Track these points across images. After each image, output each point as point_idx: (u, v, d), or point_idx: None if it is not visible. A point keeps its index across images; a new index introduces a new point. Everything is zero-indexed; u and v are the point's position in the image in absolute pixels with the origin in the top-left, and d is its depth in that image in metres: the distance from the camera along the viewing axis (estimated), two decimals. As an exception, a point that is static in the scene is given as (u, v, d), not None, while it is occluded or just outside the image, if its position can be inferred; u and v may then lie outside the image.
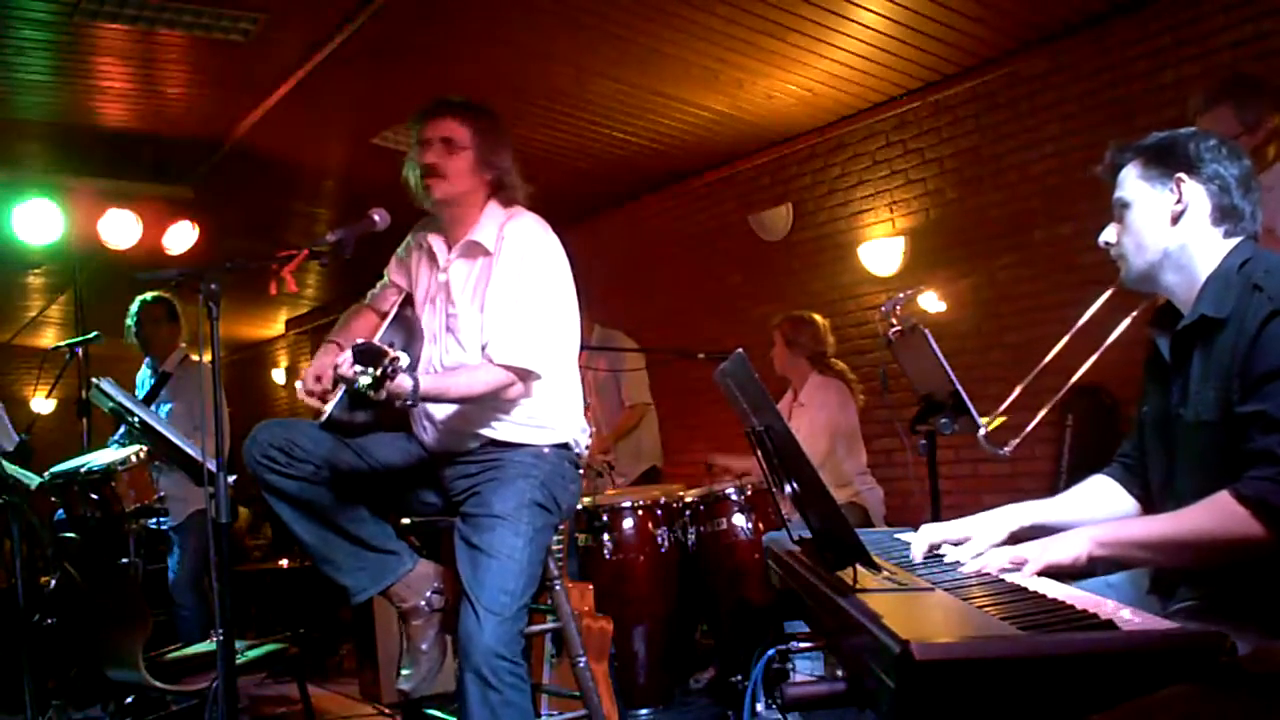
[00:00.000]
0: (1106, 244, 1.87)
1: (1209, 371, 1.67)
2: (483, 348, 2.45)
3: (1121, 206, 1.83)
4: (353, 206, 3.21)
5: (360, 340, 2.12)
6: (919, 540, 1.90)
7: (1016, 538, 1.85)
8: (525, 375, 2.43)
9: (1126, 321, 2.48)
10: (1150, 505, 1.87)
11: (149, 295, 4.63)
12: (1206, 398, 1.66)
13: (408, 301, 2.72)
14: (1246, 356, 1.59)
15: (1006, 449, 2.83)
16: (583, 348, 2.61)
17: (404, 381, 2.18)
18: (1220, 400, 1.63)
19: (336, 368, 2.19)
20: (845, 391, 4.35)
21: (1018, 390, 2.90)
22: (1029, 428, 2.85)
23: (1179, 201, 1.74)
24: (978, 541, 1.83)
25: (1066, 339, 2.69)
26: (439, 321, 2.59)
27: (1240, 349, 1.60)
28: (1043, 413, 2.84)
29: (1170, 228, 1.76)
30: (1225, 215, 1.74)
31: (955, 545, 1.88)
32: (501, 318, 2.44)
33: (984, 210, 5.03)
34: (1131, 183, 1.81)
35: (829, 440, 4.20)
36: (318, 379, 2.44)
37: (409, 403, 2.25)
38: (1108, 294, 2.51)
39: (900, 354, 3.35)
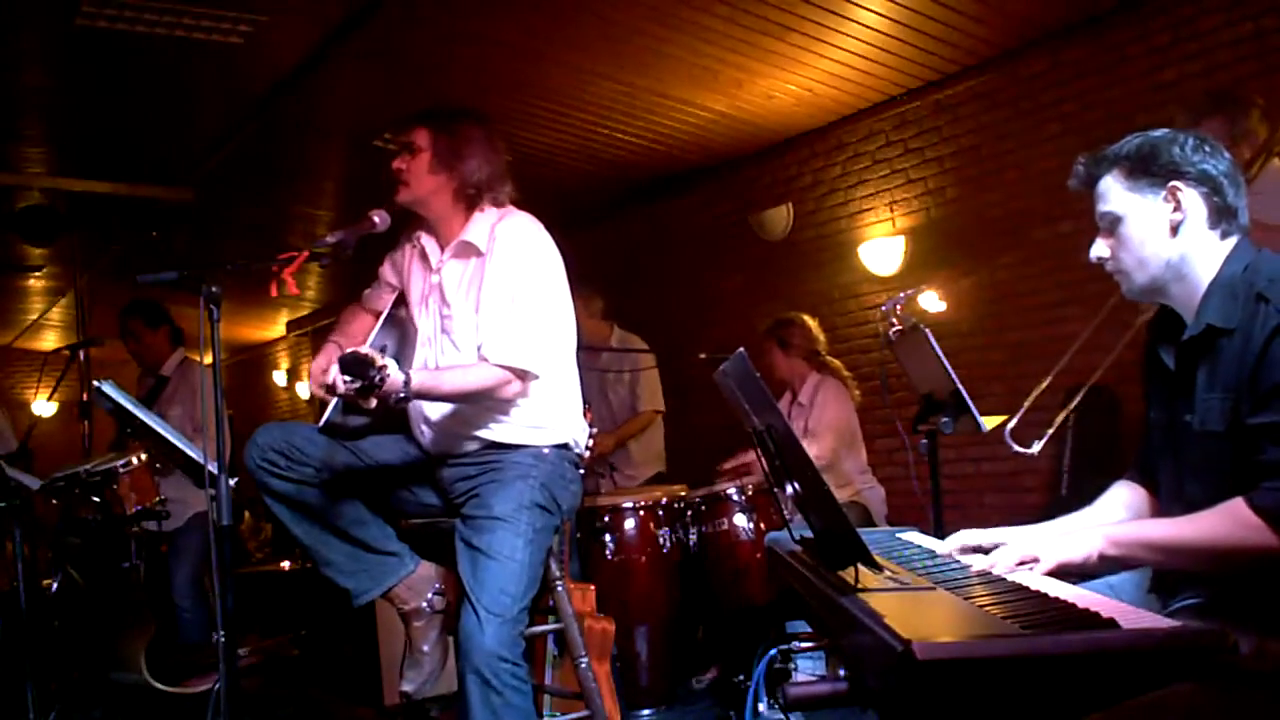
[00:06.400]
0: (1099, 259, 1.79)
1: (1215, 382, 1.65)
2: (478, 348, 2.44)
3: (1111, 220, 1.75)
4: (353, 207, 3.21)
5: (348, 350, 2.13)
6: (952, 540, 1.89)
7: None
8: (522, 375, 2.42)
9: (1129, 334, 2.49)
10: (1162, 509, 1.85)
11: (125, 309, 4.53)
12: (1213, 408, 1.64)
13: (400, 301, 2.71)
14: (1255, 369, 1.57)
15: (1034, 449, 2.84)
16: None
17: (395, 377, 2.18)
18: (1227, 412, 1.62)
19: (326, 374, 2.19)
20: (843, 389, 4.35)
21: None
22: (1053, 427, 2.87)
23: (1177, 210, 1.69)
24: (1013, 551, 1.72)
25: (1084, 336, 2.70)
26: (433, 323, 2.58)
27: (1247, 361, 1.58)
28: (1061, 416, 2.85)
29: (1170, 239, 1.70)
30: (1221, 216, 1.69)
31: (987, 552, 1.80)
32: (496, 318, 2.43)
33: (984, 209, 5.02)
34: (1118, 195, 1.73)
35: (834, 438, 4.20)
36: (323, 371, 2.39)
37: (401, 396, 2.25)
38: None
39: (901, 353, 3.35)
